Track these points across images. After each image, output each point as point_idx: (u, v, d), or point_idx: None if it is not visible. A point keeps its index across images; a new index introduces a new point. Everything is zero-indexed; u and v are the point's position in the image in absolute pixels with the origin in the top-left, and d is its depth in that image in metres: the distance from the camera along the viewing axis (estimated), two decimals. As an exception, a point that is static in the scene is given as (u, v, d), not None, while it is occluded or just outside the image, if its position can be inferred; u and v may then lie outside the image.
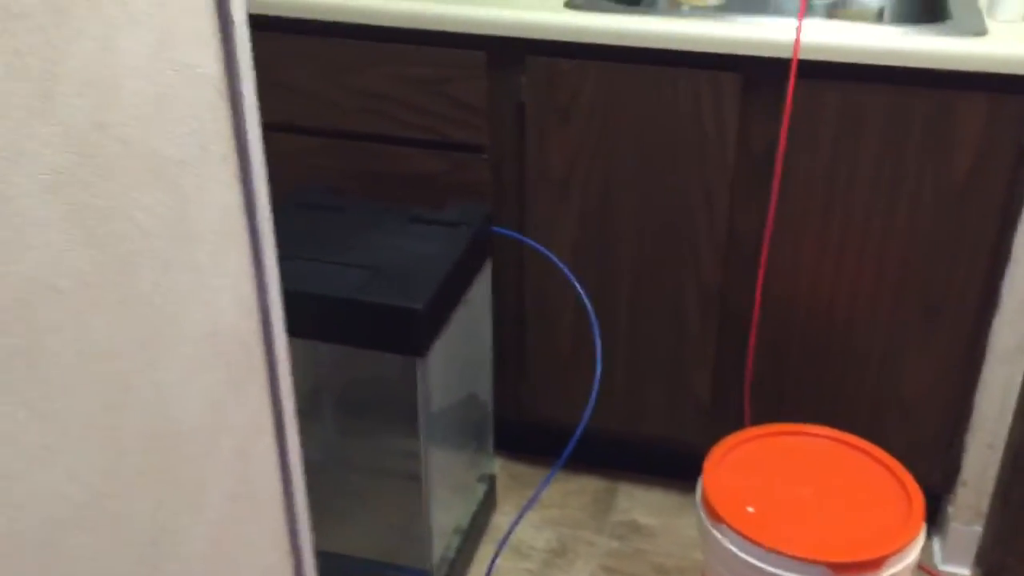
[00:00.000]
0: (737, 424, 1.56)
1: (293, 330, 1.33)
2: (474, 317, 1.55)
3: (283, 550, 0.90)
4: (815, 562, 1.21)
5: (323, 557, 1.53)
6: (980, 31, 1.34)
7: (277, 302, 0.82)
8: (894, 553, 1.22)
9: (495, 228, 1.55)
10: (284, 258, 1.37)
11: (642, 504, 1.75)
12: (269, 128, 1.58)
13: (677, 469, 1.73)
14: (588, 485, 1.79)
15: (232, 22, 0.71)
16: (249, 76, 0.74)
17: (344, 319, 1.35)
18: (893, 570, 1.22)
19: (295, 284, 1.34)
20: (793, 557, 1.22)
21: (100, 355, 0.63)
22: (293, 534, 0.91)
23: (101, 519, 0.63)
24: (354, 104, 1.55)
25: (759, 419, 1.56)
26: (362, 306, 1.32)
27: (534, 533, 1.69)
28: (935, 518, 1.66)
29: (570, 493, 1.77)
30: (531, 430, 1.78)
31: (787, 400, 1.59)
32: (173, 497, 0.72)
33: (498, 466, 1.82)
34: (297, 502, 0.90)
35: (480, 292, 1.54)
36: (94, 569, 0.63)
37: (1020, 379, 1.45)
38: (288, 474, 0.88)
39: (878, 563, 1.22)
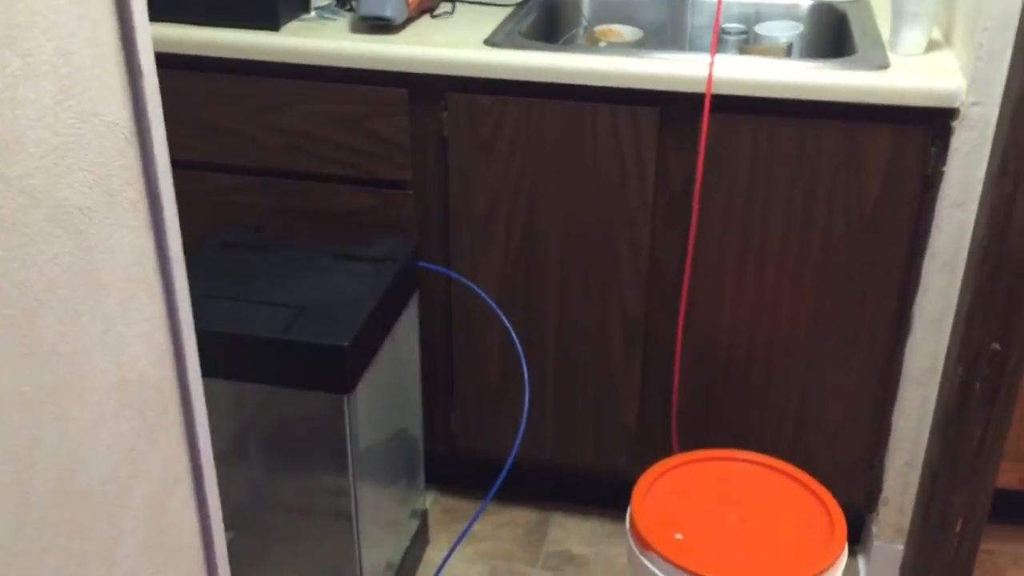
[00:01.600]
0: (665, 451, 1.58)
1: (217, 371, 1.32)
2: (401, 353, 1.55)
3: (204, 598, 0.89)
4: (741, 587, 1.23)
5: (253, 600, 1.52)
6: (883, 65, 1.39)
7: (192, 348, 0.81)
8: (818, 574, 1.25)
9: (421, 263, 1.55)
10: (208, 298, 1.37)
11: (575, 534, 1.76)
12: (192, 167, 1.59)
13: (608, 498, 1.75)
14: (521, 517, 1.79)
15: (140, 71, 0.71)
16: (158, 121, 0.74)
17: (269, 359, 1.34)
18: (817, 591, 1.25)
19: (219, 325, 1.34)
20: (720, 583, 1.24)
21: (4, 408, 0.61)
22: (214, 581, 0.89)
23: (5, 575, 0.62)
24: (277, 142, 1.55)
25: (686, 446, 1.59)
26: (287, 345, 1.32)
27: (467, 567, 1.68)
28: (859, 537, 1.70)
29: (503, 525, 1.77)
30: (462, 464, 1.77)
31: (713, 426, 1.62)
32: (83, 550, 0.70)
33: (430, 501, 1.81)
34: (216, 550, 0.89)
35: (407, 327, 1.54)
36: (-1, 629, 0.62)
37: (934, 399, 1.50)
38: (207, 522, 0.87)
39: (802, 585, 1.24)
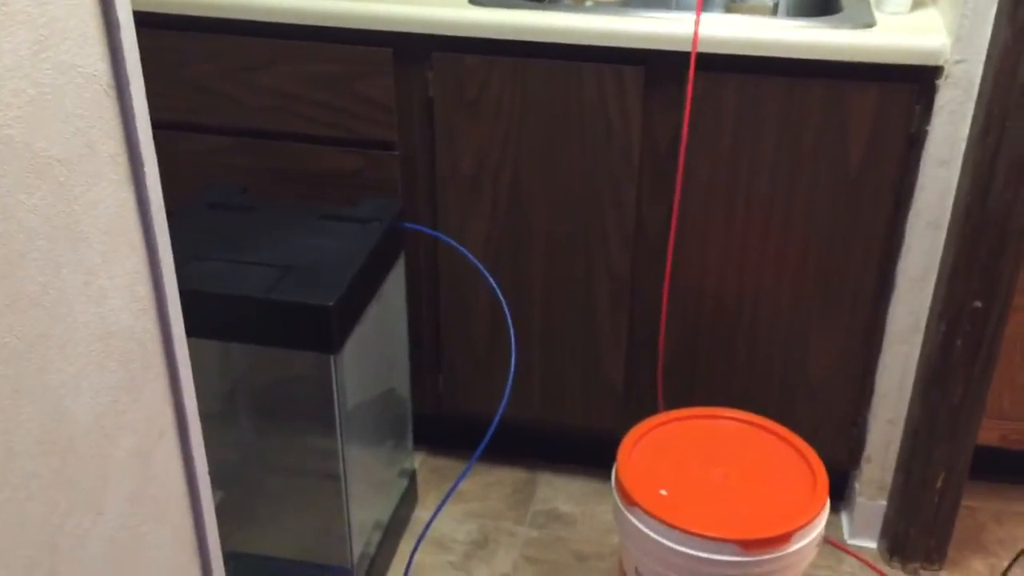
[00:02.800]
0: (651, 410, 1.59)
1: (204, 331, 1.33)
2: (388, 313, 1.55)
3: (191, 551, 0.90)
4: (725, 540, 1.25)
5: (243, 559, 1.53)
6: (869, 23, 1.39)
7: (175, 302, 0.82)
8: (799, 528, 1.26)
9: (407, 224, 1.55)
10: (194, 258, 1.37)
11: (562, 493, 1.78)
12: (176, 128, 1.58)
13: (595, 457, 1.76)
14: (508, 476, 1.81)
15: (117, 23, 0.71)
16: (137, 75, 0.74)
17: (256, 319, 1.34)
18: (799, 544, 1.26)
19: (206, 285, 1.34)
20: (704, 536, 1.25)
21: (-14, 358, 0.62)
22: (200, 535, 0.90)
23: (-8, 524, 0.63)
24: (262, 102, 1.54)
25: (672, 404, 1.60)
26: (274, 305, 1.32)
27: (455, 526, 1.70)
28: (842, 494, 1.72)
29: (490, 485, 1.79)
30: (450, 424, 1.79)
31: (698, 385, 1.63)
32: (69, 499, 0.71)
33: (418, 461, 1.82)
34: (203, 503, 0.90)
35: (393, 288, 1.55)
36: (-15, 574, 0.63)
37: (917, 357, 1.51)
38: (192, 474, 0.88)
39: (785, 538, 1.25)
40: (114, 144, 0.73)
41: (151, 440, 0.81)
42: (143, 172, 0.75)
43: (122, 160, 0.74)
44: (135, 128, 0.74)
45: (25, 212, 0.65)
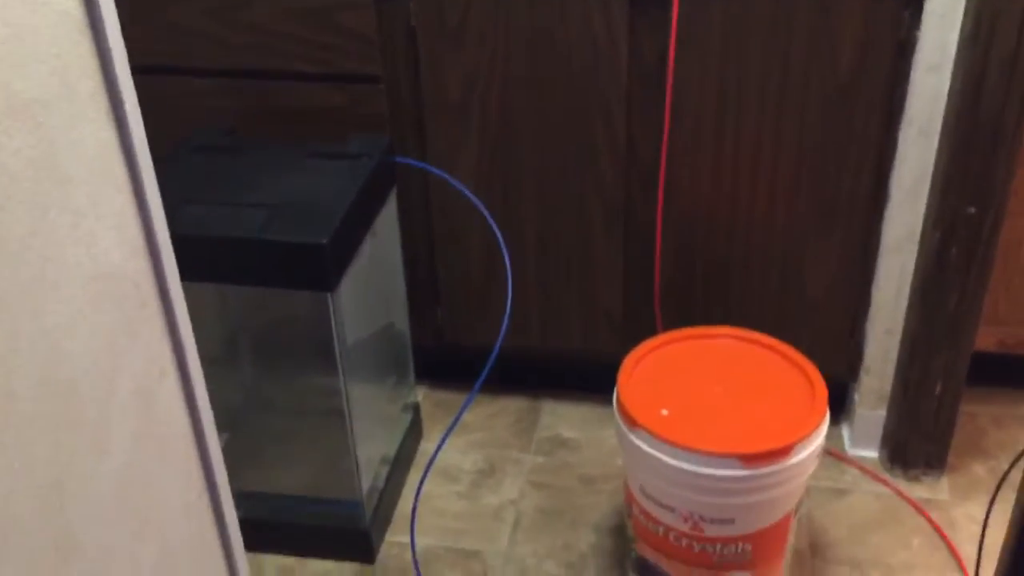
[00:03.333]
0: (650, 333, 1.60)
1: (200, 275, 1.32)
2: (383, 248, 1.55)
3: (199, 488, 0.91)
4: (727, 455, 1.26)
5: (253, 497, 1.55)
6: (855, -72, 1.36)
7: (166, 241, 0.81)
8: (800, 440, 1.28)
9: (397, 158, 1.54)
10: (185, 202, 1.37)
11: (565, 419, 1.80)
12: (159, 71, 1.56)
13: (596, 382, 1.77)
14: (511, 406, 1.82)
15: (86, -45, 0.69)
16: (111, 11, 0.72)
17: (250, 260, 1.34)
18: (800, 456, 1.28)
19: (198, 228, 1.33)
20: (706, 452, 1.26)
21: (-21, 302, 0.62)
22: (208, 473, 0.92)
23: (-2, 465, 0.64)
24: (243, 41, 1.52)
25: (670, 327, 1.60)
26: (268, 245, 1.32)
27: (461, 457, 1.72)
28: (842, 406, 1.74)
29: (494, 415, 1.81)
30: (451, 356, 1.80)
31: (696, 305, 1.63)
32: (74, 440, 0.72)
33: (422, 395, 1.84)
34: (209, 441, 0.91)
35: (387, 223, 1.54)
36: (-4, 515, 0.63)
37: (912, 267, 1.52)
38: (196, 413, 0.88)
39: (786, 451, 1.27)
40: (93, 83, 0.72)
41: (152, 380, 0.81)
42: (124, 111, 0.74)
43: (102, 99, 0.73)
44: (113, 66, 0.73)
45: (7, 155, 0.64)
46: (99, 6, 0.71)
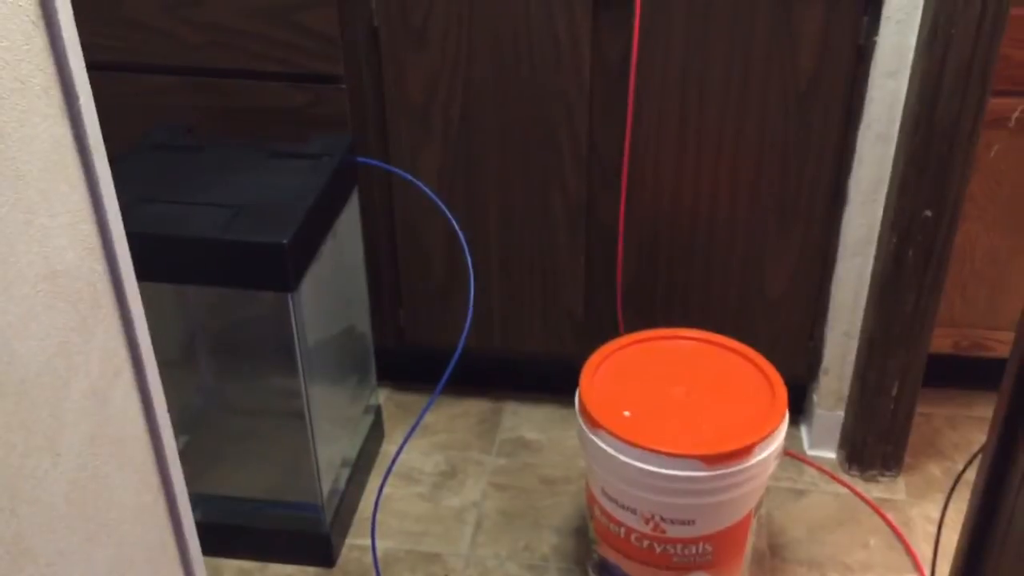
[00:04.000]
0: (612, 334, 1.60)
1: (158, 275, 1.30)
2: (344, 249, 1.54)
3: (155, 490, 0.90)
4: (688, 456, 1.27)
5: (212, 500, 1.54)
6: (815, -66, 1.37)
7: (121, 239, 0.80)
8: (760, 441, 1.29)
9: (360, 158, 1.53)
10: (143, 201, 1.35)
11: (527, 421, 1.79)
12: (117, 68, 1.54)
13: (559, 384, 1.77)
14: (474, 407, 1.82)
15: (39, -53, 0.68)
16: (65, 5, 0.71)
17: (210, 260, 1.32)
18: (760, 456, 1.29)
19: (157, 227, 1.31)
20: (667, 454, 1.27)
21: (-74, 301, 0.60)
22: (164, 474, 0.90)
23: (-54, 468, 0.62)
24: (203, 39, 1.50)
25: (632, 328, 1.61)
26: (227, 245, 1.30)
27: (423, 459, 1.71)
28: (801, 407, 1.75)
29: (456, 416, 1.80)
30: (414, 358, 1.79)
31: (658, 307, 1.64)
32: (26, 442, 0.70)
33: (384, 396, 1.83)
34: (164, 442, 0.89)
35: (348, 224, 1.53)
36: (-57, 519, 0.62)
37: (870, 269, 1.53)
38: (152, 414, 0.87)
39: (746, 451, 1.28)
40: (45, 78, 0.71)
41: (106, 380, 0.80)
42: (78, 106, 0.73)
43: (55, 94, 0.72)
44: (67, 61, 0.71)
45: (-44, 150, 0.63)
46: (54, 0, 0.69)
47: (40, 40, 0.70)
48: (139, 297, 0.83)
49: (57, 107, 0.72)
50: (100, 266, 0.78)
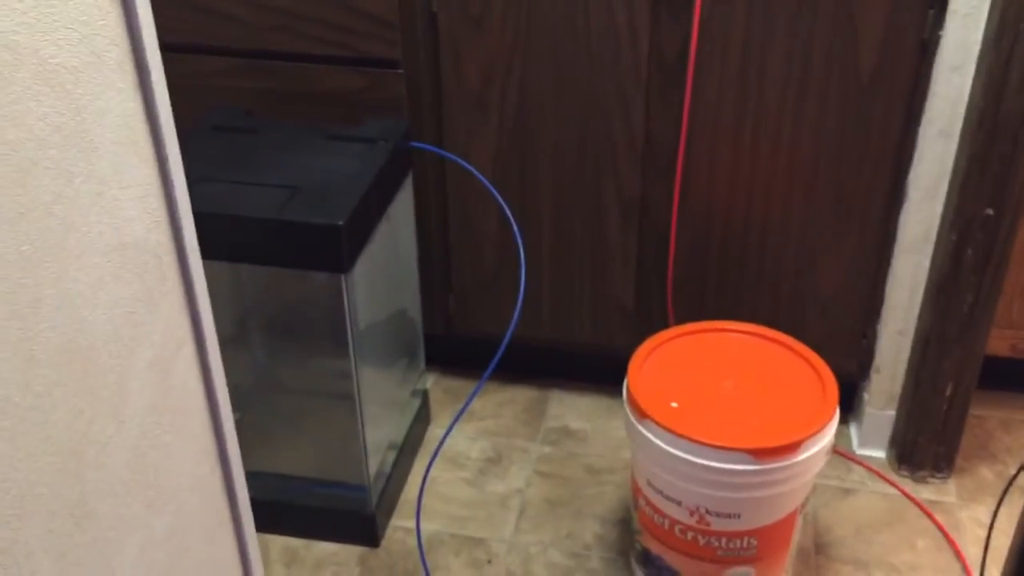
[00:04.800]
0: (661, 327, 1.60)
1: (215, 253, 1.32)
2: (397, 233, 1.55)
3: (212, 461, 0.91)
4: (736, 449, 1.26)
5: (261, 477, 1.56)
6: (881, -74, 1.35)
7: (188, 214, 0.82)
8: (809, 437, 1.28)
9: (414, 143, 1.54)
10: (201, 181, 1.37)
11: (573, 410, 1.80)
12: (179, 50, 1.57)
13: (606, 374, 1.78)
14: (520, 395, 1.83)
15: (118, -76, 0.69)
16: (140, -19, 0.72)
17: (266, 239, 1.34)
18: (809, 452, 1.28)
19: (214, 207, 1.33)
20: (715, 446, 1.26)
21: (5, 265, 0.62)
22: (221, 448, 0.92)
23: (19, 428, 0.64)
24: (264, 22, 1.52)
25: (682, 321, 1.60)
26: (283, 225, 1.32)
27: (469, 444, 1.72)
28: (852, 405, 1.73)
29: (503, 403, 1.81)
30: (462, 344, 1.80)
31: (708, 301, 1.63)
32: (92, 408, 0.72)
33: (431, 381, 1.84)
34: (223, 416, 0.91)
35: (402, 208, 1.54)
36: (15, 477, 0.64)
37: (927, 267, 1.51)
38: (211, 387, 0.89)
39: (795, 447, 1.27)
40: (120, 52, 0.72)
41: (169, 352, 0.82)
42: (150, 82, 0.74)
43: (129, 69, 0.73)
44: (140, 36, 0.73)
45: (35, 120, 0.64)
46: (129, -25, 0.71)
47: (115, 15, 0.71)
48: (202, 272, 0.85)
49: (130, 81, 0.73)
50: (166, 239, 0.80)
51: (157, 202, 0.78)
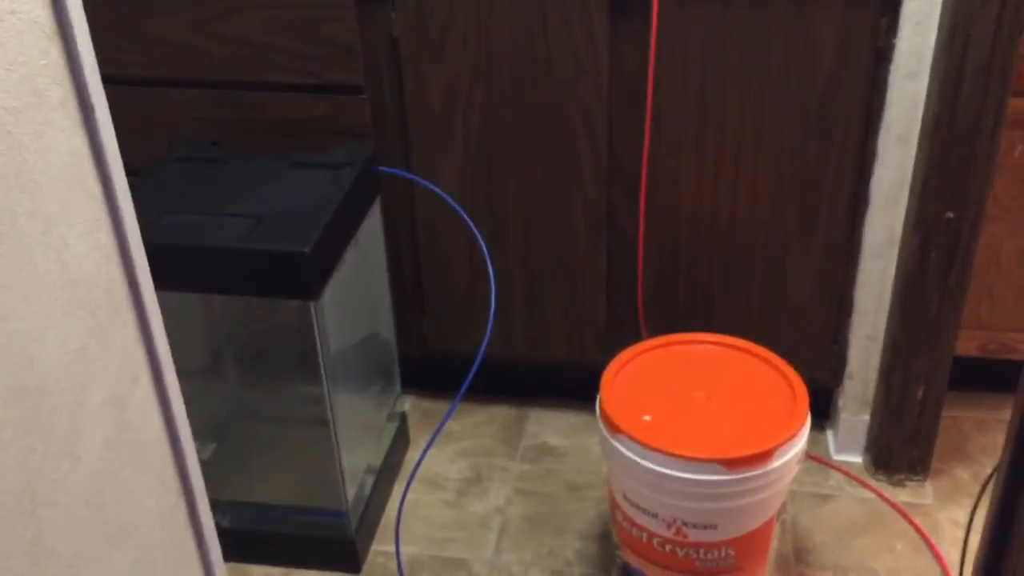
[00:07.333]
0: (634, 340, 1.60)
1: (184, 285, 1.33)
2: (367, 257, 1.56)
3: (175, 495, 0.91)
4: (708, 460, 1.26)
5: (239, 507, 1.56)
6: (831, -63, 1.37)
7: (139, 248, 0.82)
8: (781, 445, 1.28)
9: (381, 167, 1.55)
10: (168, 212, 1.37)
11: (551, 427, 1.80)
12: (143, 83, 1.57)
13: (582, 390, 1.77)
14: (498, 414, 1.83)
15: (54, -36, 0.70)
16: (80, 20, 0.73)
17: (233, 269, 1.34)
18: (781, 460, 1.28)
19: (181, 238, 1.34)
20: (687, 458, 1.27)
21: (-54, 308, 0.62)
22: (184, 480, 0.92)
23: (-34, 470, 0.64)
24: (227, 53, 1.53)
25: (654, 333, 1.61)
26: (250, 254, 1.32)
27: (448, 465, 1.72)
28: (827, 412, 1.74)
29: (481, 423, 1.81)
30: (438, 365, 1.80)
31: (679, 312, 1.64)
32: (45, 445, 0.72)
33: (408, 404, 1.84)
34: (184, 448, 0.91)
35: (370, 232, 1.55)
36: (-36, 519, 0.64)
37: (893, 272, 1.52)
38: (172, 421, 0.89)
39: (767, 455, 1.27)
40: (62, 91, 0.73)
41: (125, 387, 0.82)
42: (95, 119, 0.75)
43: (72, 107, 0.74)
44: (82, 74, 0.73)
45: (-25, 162, 0.65)
46: (68, 14, 0.71)
47: (56, 54, 0.72)
48: (157, 305, 0.85)
49: (74, 119, 0.74)
50: (118, 274, 0.80)
51: (107, 237, 0.79)
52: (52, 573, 0.74)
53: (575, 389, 1.81)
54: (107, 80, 0.78)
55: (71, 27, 0.72)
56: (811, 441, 1.32)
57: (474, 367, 1.42)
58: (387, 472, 1.67)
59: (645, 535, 1.35)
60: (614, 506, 1.41)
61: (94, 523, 0.78)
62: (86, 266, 0.76)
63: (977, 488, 1.58)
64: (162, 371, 0.86)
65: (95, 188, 0.77)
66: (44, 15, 0.70)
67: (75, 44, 0.72)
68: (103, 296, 0.79)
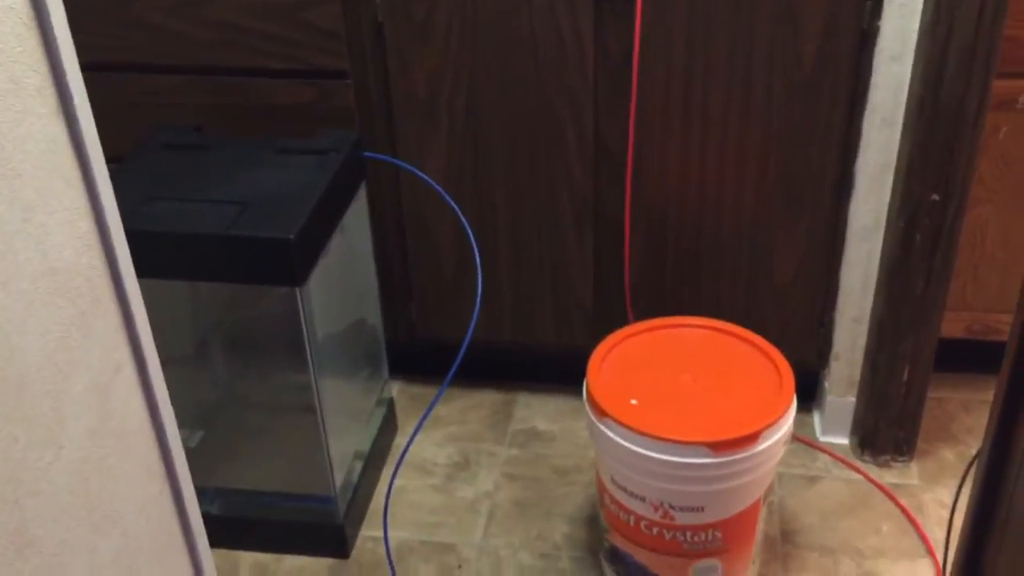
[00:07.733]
0: (621, 324, 1.60)
1: (169, 272, 1.33)
2: (353, 243, 1.55)
3: (160, 483, 0.91)
4: (694, 443, 1.27)
5: (227, 494, 1.56)
6: (816, -81, 1.37)
7: (120, 236, 0.82)
8: (767, 427, 1.29)
9: (366, 153, 1.54)
10: (153, 199, 1.37)
11: (539, 412, 1.80)
12: (126, 69, 1.56)
13: (570, 375, 1.78)
14: (486, 399, 1.83)
15: (30, -50, 0.69)
16: (57, 6, 0.72)
17: (219, 256, 1.34)
18: (767, 443, 1.29)
19: (166, 225, 1.33)
20: (674, 441, 1.27)
21: (-76, 298, 0.62)
22: (168, 465, 0.92)
23: (-53, 460, 0.64)
24: (210, 38, 1.52)
25: (641, 318, 1.61)
26: (235, 241, 1.32)
27: (436, 450, 1.73)
28: (813, 394, 1.75)
29: (469, 408, 1.81)
30: (425, 351, 1.80)
31: (666, 297, 1.64)
32: (28, 434, 0.72)
33: (396, 390, 1.84)
34: (169, 436, 0.91)
35: (356, 218, 1.55)
36: (-55, 509, 0.64)
37: (878, 254, 1.53)
38: (155, 409, 0.88)
39: (753, 438, 1.28)
40: (39, 78, 0.72)
41: (107, 375, 0.81)
42: (73, 105, 0.74)
43: (49, 94, 0.73)
44: (60, 61, 0.73)
45: (-49, 150, 0.64)
46: (46, 2, 0.71)
47: (33, 41, 0.71)
48: (139, 292, 0.85)
49: (52, 107, 0.73)
50: (99, 262, 0.80)
51: (87, 225, 0.78)
52: (36, 562, 0.74)
53: (563, 374, 1.81)
54: (87, 66, 0.77)
55: (48, 13, 0.71)
56: (797, 423, 1.32)
57: (461, 352, 1.42)
58: (375, 458, 1.67)
59: (633, 518, 1.36)
60: (602, 490, 1.42)
61: (78, 512, 0.78)
62: (66, 255, 0.76)
63: (962, 468, 1.59)
64: (145, 359, 0.86)
65: (75, 176, 0.76)
66: (20, 2, 0.70)
67: (52, 30, 0.71)
68: (84, 284, 0.78)
